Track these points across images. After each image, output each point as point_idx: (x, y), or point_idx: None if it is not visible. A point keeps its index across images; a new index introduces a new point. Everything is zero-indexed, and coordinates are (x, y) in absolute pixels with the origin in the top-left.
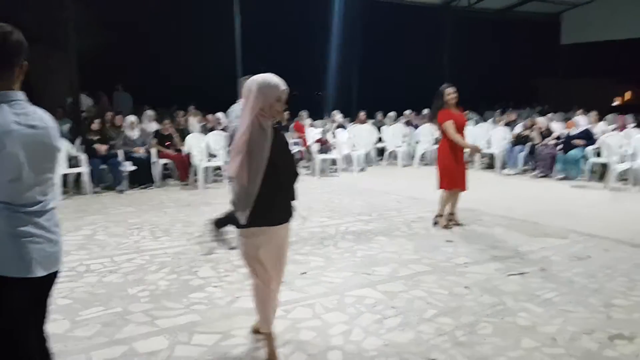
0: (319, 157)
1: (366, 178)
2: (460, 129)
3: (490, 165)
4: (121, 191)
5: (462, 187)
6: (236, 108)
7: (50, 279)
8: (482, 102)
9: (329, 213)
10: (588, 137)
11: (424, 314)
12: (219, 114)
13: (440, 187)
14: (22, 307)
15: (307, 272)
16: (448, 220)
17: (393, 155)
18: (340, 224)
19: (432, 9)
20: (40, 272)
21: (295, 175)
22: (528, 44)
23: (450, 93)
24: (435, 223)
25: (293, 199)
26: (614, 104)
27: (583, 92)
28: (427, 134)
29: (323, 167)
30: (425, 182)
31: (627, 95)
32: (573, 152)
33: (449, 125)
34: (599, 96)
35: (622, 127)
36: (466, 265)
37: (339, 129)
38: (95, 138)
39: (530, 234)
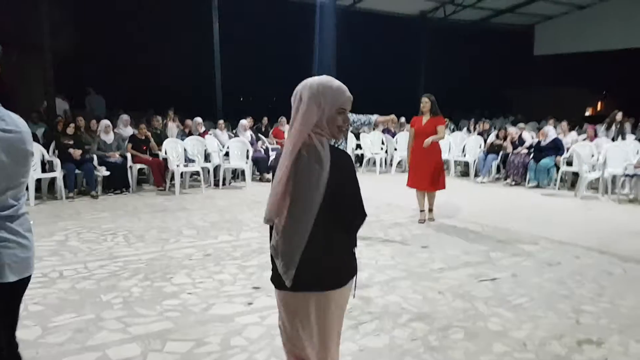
0: None
1: None
2: (419, 134)
3: (464, 173)
4: (95, 196)
5: (413, 186)
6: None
7: (21, 285)
8: (457, 111)
9: None
10: (557, 146)
11: (398, 319)
12: (198, 119)
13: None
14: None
15: None
16: (423, 217)
17: (371, 162)
18: None
19: (409, 20)
20: (11, 278)
21: (362, 217)
22: (502, 54)
23: (421, 102)
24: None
25: (353, 247)
26: (586, 114)
27: (556, 102)
28: (404, 142)
29: None
30: (402, 189)
31: (599, 105)
32: (544, 161)
33: (410, 130)
34: (572, 106)
35: (593, 137)
36: (440, 271)
37: None
38: (70, 142)
39: (502, 241)
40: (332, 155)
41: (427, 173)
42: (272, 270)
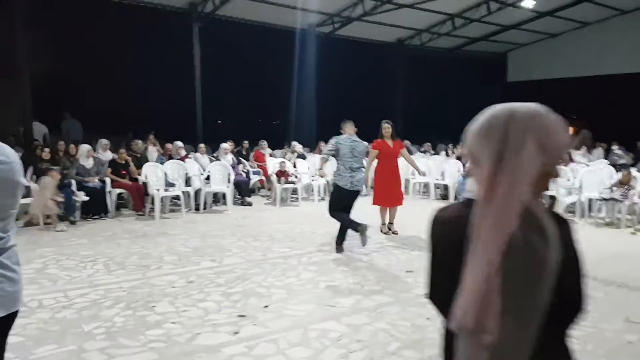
0: (279, 187)
1: (326, 207)
2: (388, 156)
3: (444, 196)
4: (74, 222)
5: (385, 204)
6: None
7: (8, 320)
8: (433, 136)
9: (290, 243)
10: None
11: (388, 347)
12: (178, 143)
13: (373, 203)
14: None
15: (269, 305)
16: (388, 228)
17: None
18: (302, 255)
19: (387, 47)
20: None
21: (581, 309)
22: (477, 80)
23: (385, 127)
24: (381, 231)
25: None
26: None
27: None
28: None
29: (284, 197)
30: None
31: (571, 130)
32: None
33: (371, 152)
34: None
35: (568, 162)
36: (427, 296)
37: (300, 159)
38: (48, 167)
39: None
40: (558, 224)
41: (395, 191)
42: None
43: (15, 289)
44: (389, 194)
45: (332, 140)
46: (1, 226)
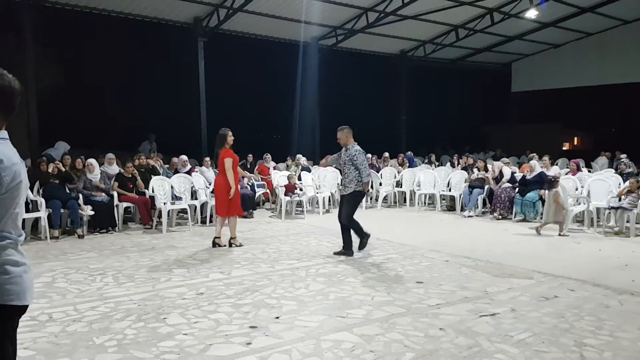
0: (284, 199)
1: (331, 219)
2: (235, 166)
3: (450, 207)
4: (81, 236)
5: (232, 213)
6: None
7: (25, 308)
8: (437, 146)
9: (297, 255)
10: (542, 180)
11: (402, 358)
12: (183, 157)
13: (217, 214)
14: (12, 337)
15: (280, 316)
16: (230, 243)
17: None
18: (310, 266)
19: (390, 58)
20: (30, 301)
21: None
22: (480, 91)
23: (230, 135)
24: (214, 244)
25: None
26: (564, 148)
27: (533, 137)
28: (389, 177)
29: (289, 209)
30: (389, 223)
31: (576, 140)
32: (530, 195)
33: (228, 161)
34: (548, 141)
35: (575, 171)
36: (439, 307)
37: (304, 172)
38: (56, 181)
39: (496, 275)
40: None
41: (236, 201)
42: None
43: (31, 278)
44: (232, 203)
45: (363, 155)
46: (20, 221)
